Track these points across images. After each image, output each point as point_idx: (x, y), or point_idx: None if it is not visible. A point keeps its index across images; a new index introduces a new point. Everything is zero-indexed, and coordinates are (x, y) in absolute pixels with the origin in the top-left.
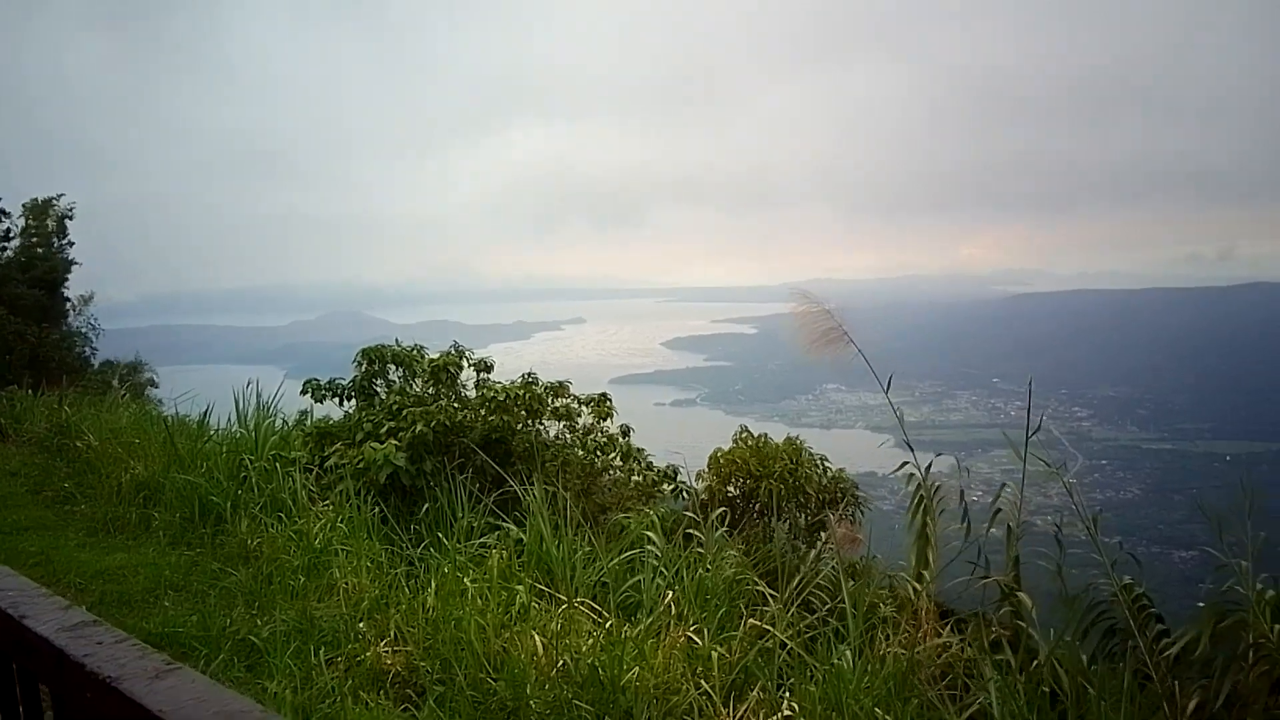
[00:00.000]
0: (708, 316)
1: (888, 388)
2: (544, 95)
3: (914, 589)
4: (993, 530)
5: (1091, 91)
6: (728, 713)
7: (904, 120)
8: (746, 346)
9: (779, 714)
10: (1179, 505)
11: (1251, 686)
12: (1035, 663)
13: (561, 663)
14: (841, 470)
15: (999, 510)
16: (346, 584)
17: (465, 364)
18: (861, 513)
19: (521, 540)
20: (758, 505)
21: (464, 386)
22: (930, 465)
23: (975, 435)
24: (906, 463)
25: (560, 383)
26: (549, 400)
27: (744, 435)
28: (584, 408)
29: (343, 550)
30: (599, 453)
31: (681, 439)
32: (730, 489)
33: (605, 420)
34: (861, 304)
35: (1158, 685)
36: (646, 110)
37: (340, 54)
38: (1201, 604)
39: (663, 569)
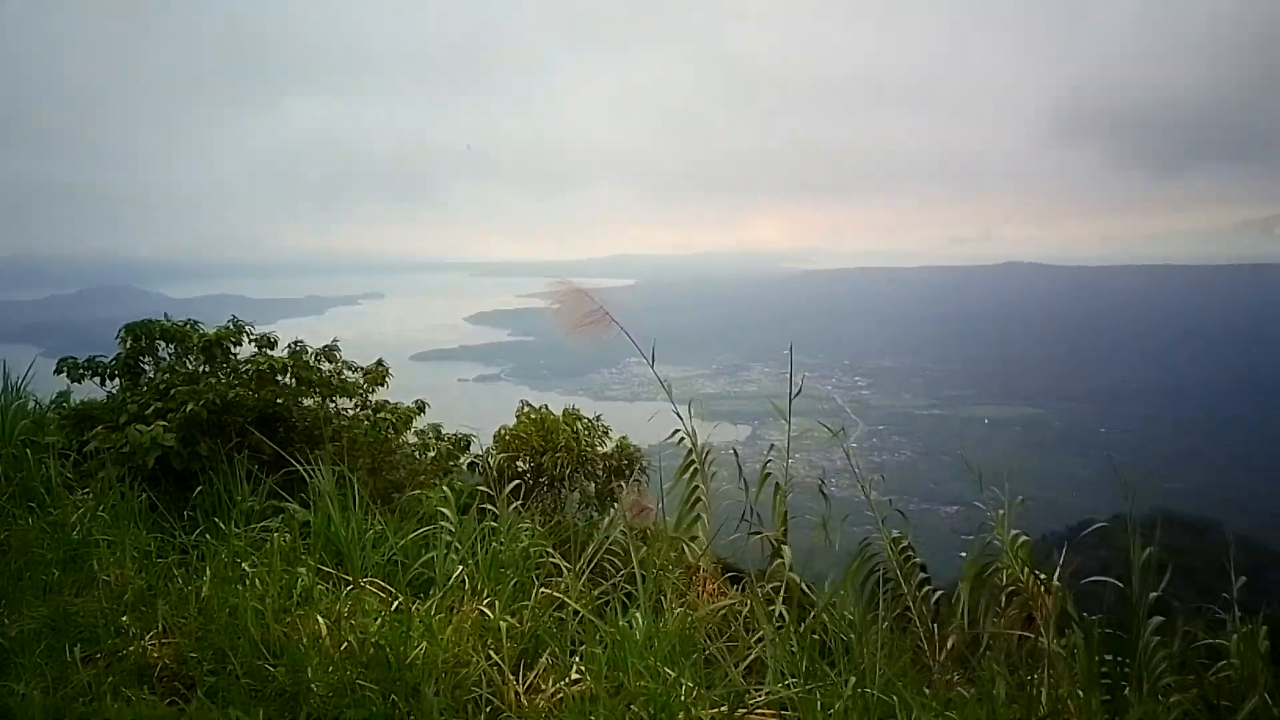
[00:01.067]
0: (511, 291)
1: (652, 360)
2: (320, 62)
3: (691, 550)
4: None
5: (867, 85)
6: (516, 680)
7: (696, 106)
8: (550, 322)
9: (567, 677)
10: (946, 465)
11: (1006, 625)
12: (809, 614)
13: (346, 644)
14: (624, 438)
15: (768, 473)
16: (108, 576)
17: (246, 339)
18: (647, 479)
19: (308, 522)
20: (546, 478)
21: (242, 364)
22: (710, 432)
23: (767, 405)
24: (678, 430)
25: (328, 346)
26: (318, 367)
27: (526, 410)
28: (356, 375)
29: (105, 541)
30: (391, 429)
31: (483, 414)
32: (520, 464)
33: (380, 385)
34: (664, 280)
35: (919, 628)
36: (433, 84)
37: (87, 8)
38: (964, 554)
39: (457, 544)
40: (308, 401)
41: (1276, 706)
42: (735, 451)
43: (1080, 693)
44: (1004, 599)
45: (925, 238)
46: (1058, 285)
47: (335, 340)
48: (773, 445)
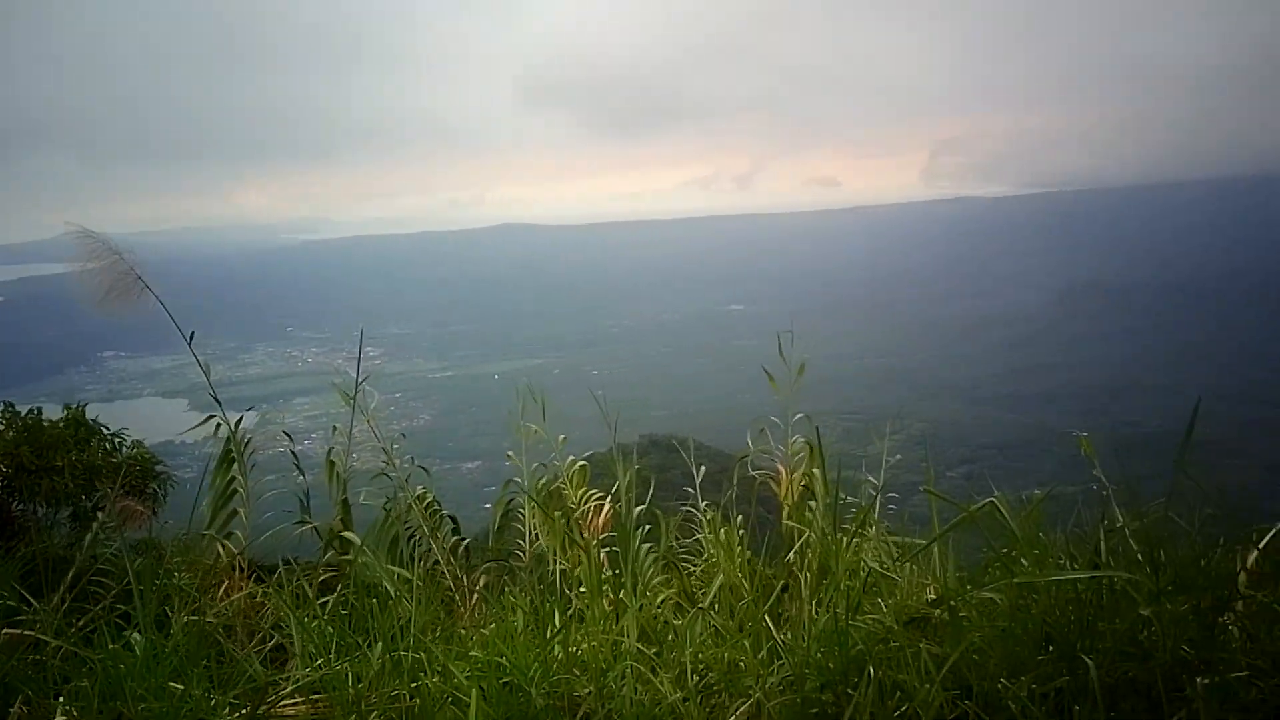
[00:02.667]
0: None
1: (190, 340)
2: None
3: (227, 549)
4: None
5: (334, 40)
6: None
7: (149, 61)
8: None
9: None
10: (463, 424)
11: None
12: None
13: None
14: (140, 443)
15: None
16: None
17: None
18: (161, 487)
19: None
20: (37, 497)
21: None
22: (240, 420)
23: (277, 386)
24: (213, 415)
25: None
26: None
27: (5, 413)
28: None
29: None
30: None
31: None
32: None
33: None
34: (136, 260)
35: (448, 574)
36: None
37: None
38: (488, 505)
39: None
40: None
41: (746, 590)
42: (289, 436)
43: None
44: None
45: (422, 203)
46: (548, 244)
47: None
48: (335, 427)
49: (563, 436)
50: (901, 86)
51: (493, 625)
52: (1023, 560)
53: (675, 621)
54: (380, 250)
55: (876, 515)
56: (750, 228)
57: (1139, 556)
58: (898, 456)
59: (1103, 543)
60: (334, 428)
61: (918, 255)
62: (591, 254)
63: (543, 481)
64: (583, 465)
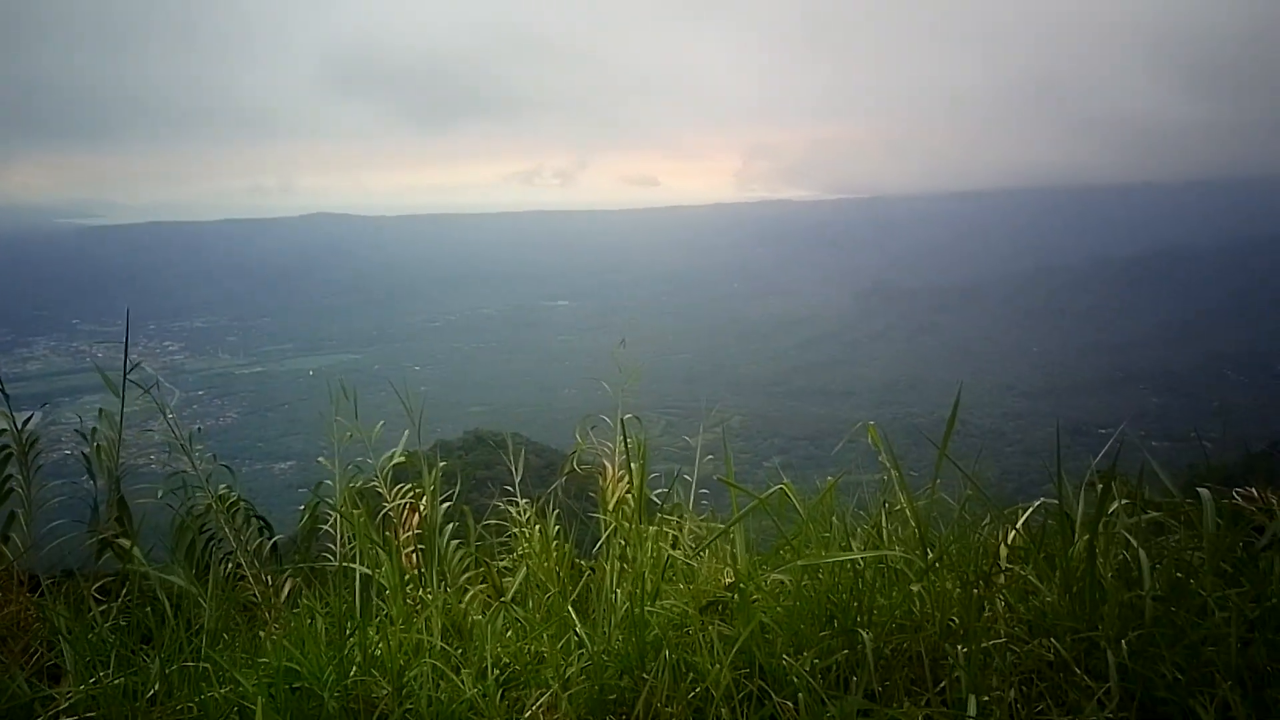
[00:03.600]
0: None
1: None
2: None
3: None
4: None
5: (119, 10)
6: None
7: None
8: None
9: None
10: (275, 423)
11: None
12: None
13: None
14: None
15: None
16: None
17: None
18: None
19: None
20: None
21: None
22: (30, 419)
23: (62, 384)
24: None
25: None
26: None
27: None
28: None
29: None
30: None
31: None
32: None
33: None
34: None
35: (250, 578)
36: None
37: None
38: (302, 506)
39: None
40: None
41: (554, 583)
42: (84, 436)
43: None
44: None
45: (220, 188)
46: (362, 235)
47: None
48: (101, 410)
49: (381, 423)
50: (716, 94)
51: (286, 630)
52: (811, 543)
53: (480, 618)
54: (174, 238)
55: (690, 507)
56: (572, 223)
57: (916, 535)
58: (709, 456)
59: (884, 523)
60: (100, 410)
61: (730, 255)
62: (409, 246)
63: (354, 482)
64: (396, 463)
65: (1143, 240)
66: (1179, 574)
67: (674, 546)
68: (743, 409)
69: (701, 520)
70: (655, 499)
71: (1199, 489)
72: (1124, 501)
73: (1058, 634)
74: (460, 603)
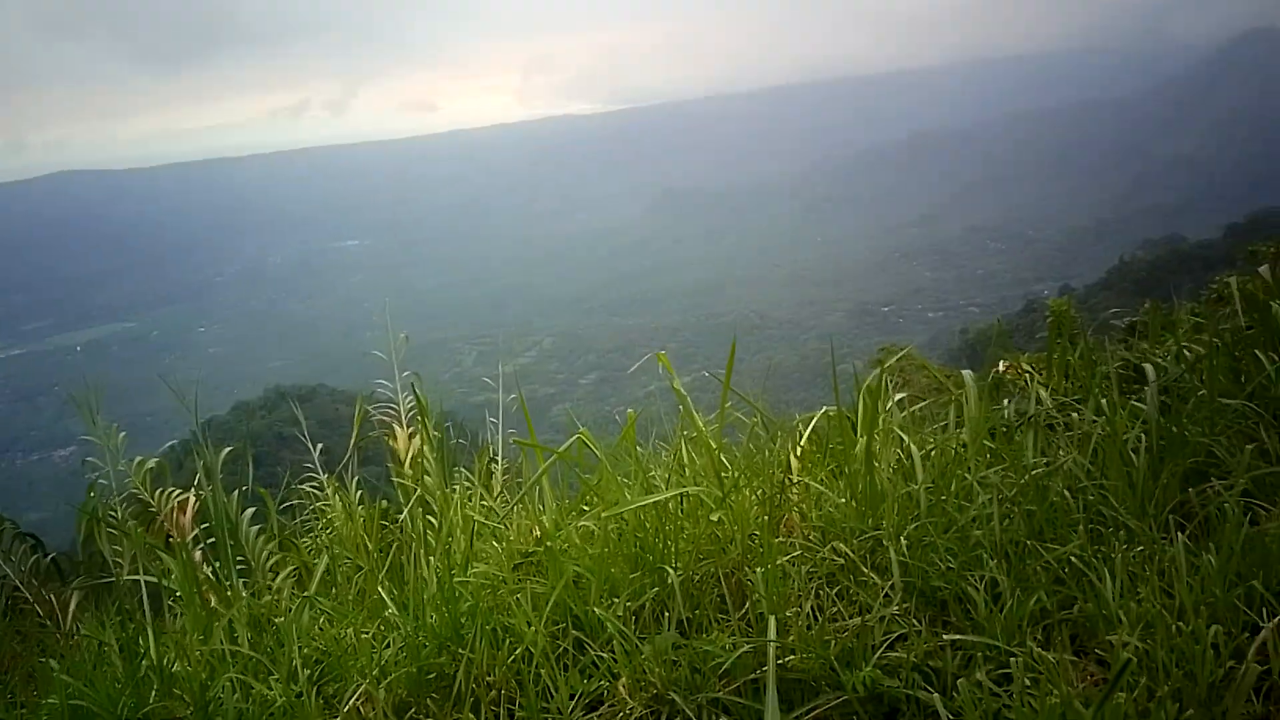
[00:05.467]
0: None
1: None
2: None
3: None
4: None
5: None
6: None
7: None
8: None
9: None
10: (47, 407)
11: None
12: None
13: None
14: None
15: None
16: None
17: None
18: None
19: None
20: None
21: None
22: None
23: None
24: None
25: None
26: None
27: None
28: None
29: None
30: None
31: None
32: None
33: None
34: None
35: (32, 601)
36: None
37: None
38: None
39: None
40: None
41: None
42: None
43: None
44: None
45: None
46: (113, 191)
47: None
48: None
49: (115, 425)
50: (488, 6)
51: (66, 662)
52: (614, 488)
53: (290, 611)
54: None
55: (500, 454)
56: (351, 157)
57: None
58: (522, 387)
59: (684, 452)
60: None
61: (521, 176)
62: (175, 198)
63: (129, 480)
64: (159, 461)
65: (908, 125)
66: (946, 461)
67: (483, 500)
68: (554, 329)
69: (508, 470)
70: (463, 441)
71: (963, 372)
72: (899, 397)
73: (846, 538)
74: (265, 598)
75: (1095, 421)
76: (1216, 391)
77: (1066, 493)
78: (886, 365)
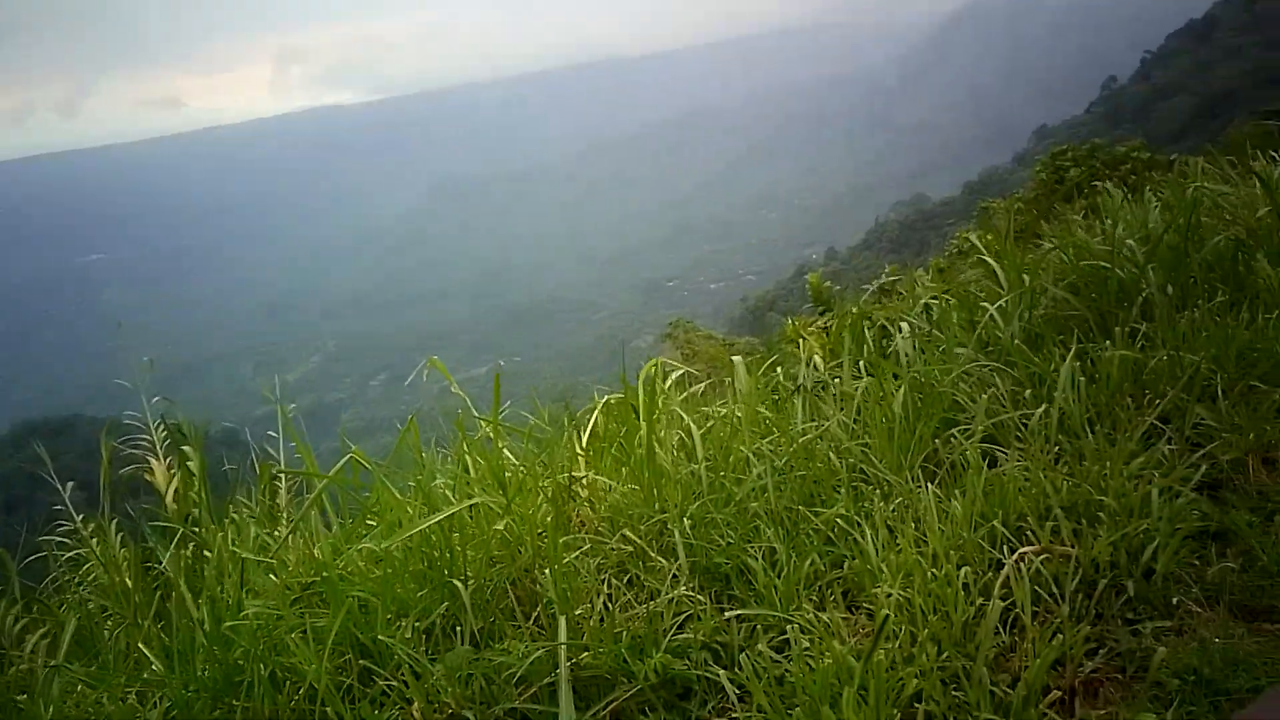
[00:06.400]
0: None
1: None
2: None
3: None
4: None
5: None
6: None
7: None
8: None
9: None
10: None
11: None
12: None
13: None
14: None
15: None
16: None
17: None
18: None
19: None
20: None
21: None
22: None
23: None
24: None
25: None
26: None
27: None
28: None
29: None
30: None
31: None
32: None
33: None
34: None
35: None
36: None
37: None
38: None
39: None
40: None
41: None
42: None
43: None
44: None
45: None
46: None
47: None
48: None
49: None
50: None
51: None
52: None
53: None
54: None
55: (275, 471)
56: (85, 163)
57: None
58: (293, 407)
59: (467, 458)
60: None
61: (285, 172)
62: None
63: None
64: None
65: (675, 105)
66: (724, 436)
67: (264, 529)
68: (337, 332)
69: (293, 489)
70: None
71: (732, 358)
72: (679, 372)
73: (634, 525)
74: (10, 671)
75: (856, 382)
76: (954, 343)
77: (832, 454)
78: (673, 337)
